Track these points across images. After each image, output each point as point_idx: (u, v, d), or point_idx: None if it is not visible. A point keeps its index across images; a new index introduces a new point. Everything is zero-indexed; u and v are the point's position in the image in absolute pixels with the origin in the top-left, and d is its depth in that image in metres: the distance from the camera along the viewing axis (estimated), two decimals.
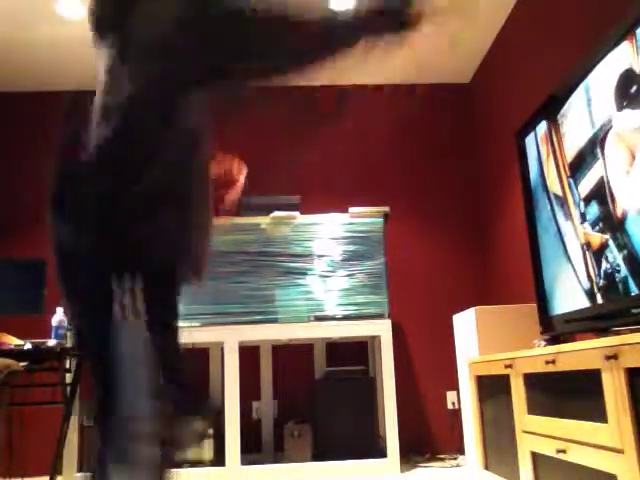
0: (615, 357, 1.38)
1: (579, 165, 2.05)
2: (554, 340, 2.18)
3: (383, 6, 0.99)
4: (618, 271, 1.80)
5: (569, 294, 2.14)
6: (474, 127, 4.11)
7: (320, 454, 3.09)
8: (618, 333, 1.71)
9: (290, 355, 3.68)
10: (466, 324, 3.02)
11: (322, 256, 3.28)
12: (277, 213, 3.33)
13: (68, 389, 2.86)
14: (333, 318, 3.20)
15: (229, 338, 3.11)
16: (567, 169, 2.15)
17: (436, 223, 4.00)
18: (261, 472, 2.98)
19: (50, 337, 2.91)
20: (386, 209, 3.39)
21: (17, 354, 2.75)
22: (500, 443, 2.31)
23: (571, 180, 2.11)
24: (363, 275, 3.26)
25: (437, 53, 3.82)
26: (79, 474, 2.97)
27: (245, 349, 3.39)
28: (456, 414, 3.57)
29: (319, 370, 3.62)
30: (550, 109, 2.27)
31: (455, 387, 3.51)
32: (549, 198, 2.31)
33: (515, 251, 3.37)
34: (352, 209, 3.37)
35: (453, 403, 3.68)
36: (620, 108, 1.77)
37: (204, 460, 3.11)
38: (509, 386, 2.13)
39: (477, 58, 3.90)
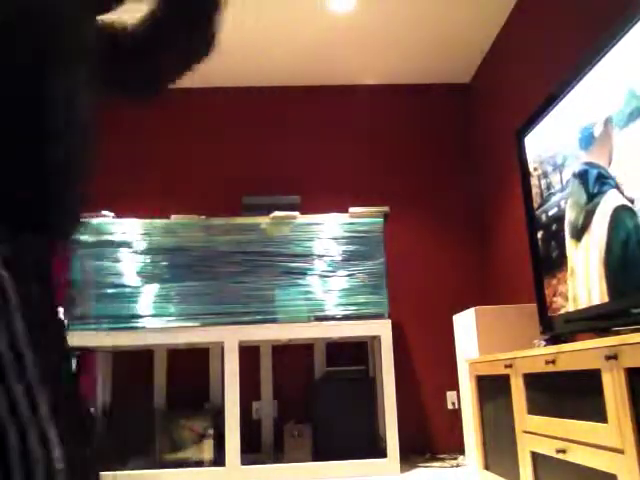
0: (615, 357, 1.38)
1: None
2: (554, 340, 2.18)
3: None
4: (618, 271, 1.80)
5: (569, 294, 2.14)
6: (474, 127, 4.11)
7: (320, 454, 3.09)
8: (618, 333, 1.71)
9: (290, 355, 3.68)
10: (466, 324, 3.02)
11: (322, 256, 3.28)
12: (277, 213, 3.33)
13: None
14: (333, 318, 3.20)
15: (229, 338, 3.11)
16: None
17: (436, 223, 4.00)
18: (261, 472, 2.98)
19: None
20: (386, 209, 3.39)
21: None
22: (500, 443, 2.31)
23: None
24: (363, 275, 3.26)
25: (437, 53, 3.82)
26: None
27: (245, 349, 3.39)
28: (456, 414, 3.57)
29: (319, 370, 3.62)
30: (550, 108, 2.27)
31: (455, 387, 3.51)
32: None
33: (515, 251, 3.37)
34: (352, 209, 3.37)
35: (453, 403, 3.68)
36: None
37: (204, 460, 3.12)
38: (509, 386, 2.13)
39: (477, 58, 3.90)
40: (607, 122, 1.85)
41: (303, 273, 3.25)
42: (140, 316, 3.14)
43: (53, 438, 0.55)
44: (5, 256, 0.57)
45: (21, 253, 0.59)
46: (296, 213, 3.35)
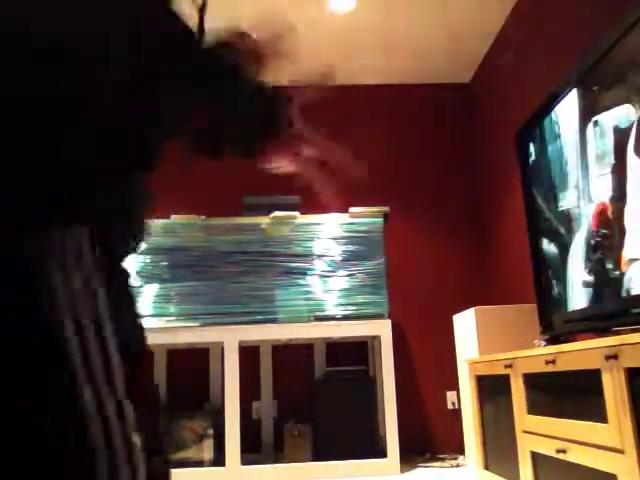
0: (615, 357, 1.38)
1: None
2: (554, 340, 2.18)
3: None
4: (618, 271, 1.80)
5: (569, 294, 2.14)
6: (474, 127, 4.11)
7: (320, 454, 3.09)
8: (618, 333, 1.71)
9: (290, 355, 3.68)
10: (466, 324, 3.02)
11: (322, 256, 3.28)
12: (277, 213, 3.33)
13: None
14: (333, 318, 3.20)
15: (229, 338, 3.11)
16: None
17: (436, 223, 4.00)
18: (261, 472, 2.98)
19: None
20: (386, 209, 3.39)
21: None
22: (500, 443, 2.31)
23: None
24: (363, 275, 3.26)
25: (437, 53, 3.82)
26: None
27: (245, 349, 3.39)
28: (456, 414, 3.57)
29: (319, 370, 3.62)
30: (550, 108, 2.27)
31: (455, 387, 3.51)
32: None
33: (515, 251, 3.37)
34: (352, 209, 3.37)
35: (453, 403, 3.68)
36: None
37: (204, 460, 3.12)
38: (509, 386, 2.13)
39: (477, 58, 3.90)
40: (608, 122, 1.85)
41: (303, 273, 3.25)
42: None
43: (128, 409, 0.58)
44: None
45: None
46: (296, 213, 3.35)
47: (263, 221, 3.32)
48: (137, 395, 0.61)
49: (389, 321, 3.18)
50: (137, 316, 0.68)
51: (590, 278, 1.98)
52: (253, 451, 3.44)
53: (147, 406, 0.64)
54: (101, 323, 0.59)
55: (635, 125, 1.68)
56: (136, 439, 0.58)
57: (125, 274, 0.68)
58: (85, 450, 0.55)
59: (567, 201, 2.14)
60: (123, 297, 0.65)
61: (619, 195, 1.78)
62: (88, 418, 0.55)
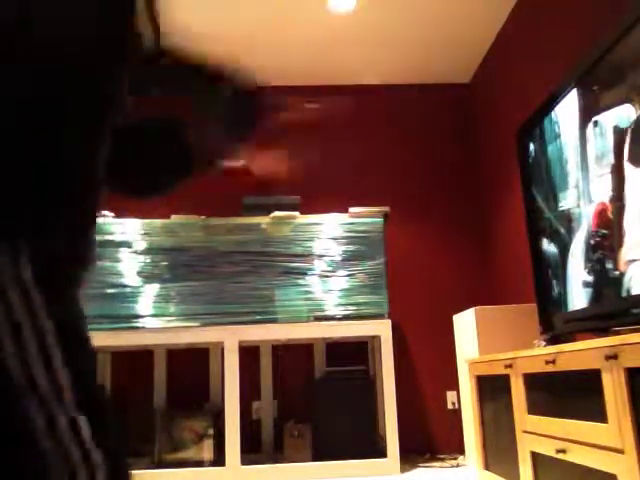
0: (615, 357, 1.38)
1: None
2: (554, 340, 2.18)
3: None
4: (618, 271, 1.80)
5: (569, 294, 2.14)
6: (474, 127, 4.10)
7: (320, 454, 3.09)
8: (618, 333, 1.71)
9: (290, 355, 3.68)
10: (466, 324, 3.02)
11: (322, 256, 3.28)
12: (277, 213, 3.33)
13: None
14: (333, 318, 3.20)
15: (229, 338, 3.11)
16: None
17: (436, 223, 4.00)
18: (261, 472, 2.98)
19: None
20: (386, 209, 3.39)
21: None
22: (500, 443, 2.31)
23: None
24: (363, 275, 3.26)
25: (437, 53, 3.82)
26: None
27: (245, 349, 3.39)
28: (456, 414, 3.57)
29: (319, 370, 3.62)
30: (550, 108, 2.27)
31: (455, 387, 3.51)
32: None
33: (515, 251, 3.37)
34: (352, 209, 3.37)
35: (453, 403, 3.68)
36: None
37: (204, 460, 3.11)
38: (509, 386, 2.13)
39: (477, 58, 3.90)
40: (608, 122, 1.85)
41: (303, 273, 3.25)
42: (140, 316, 3.14)
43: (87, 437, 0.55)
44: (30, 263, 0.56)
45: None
46: (296, 213, 3.35)
47: (263, 221, 3.32)
48: (92, 406, 0.57)
49: (389, 321, 3.18)
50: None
51: (590, 278, 1.98)
52: (253, 451, 3.44)
53: (102, 415, 0.59)
54: (43, 334, 0.54)
55: (630, 130, 1.68)
56: (94, 450, 0.54)
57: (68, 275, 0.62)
58: (38, 466, 0.51)
59: (567, 201, 2.14)
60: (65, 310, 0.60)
61: (619, 195, 1.78)
62: (38, 434, 0.51)
